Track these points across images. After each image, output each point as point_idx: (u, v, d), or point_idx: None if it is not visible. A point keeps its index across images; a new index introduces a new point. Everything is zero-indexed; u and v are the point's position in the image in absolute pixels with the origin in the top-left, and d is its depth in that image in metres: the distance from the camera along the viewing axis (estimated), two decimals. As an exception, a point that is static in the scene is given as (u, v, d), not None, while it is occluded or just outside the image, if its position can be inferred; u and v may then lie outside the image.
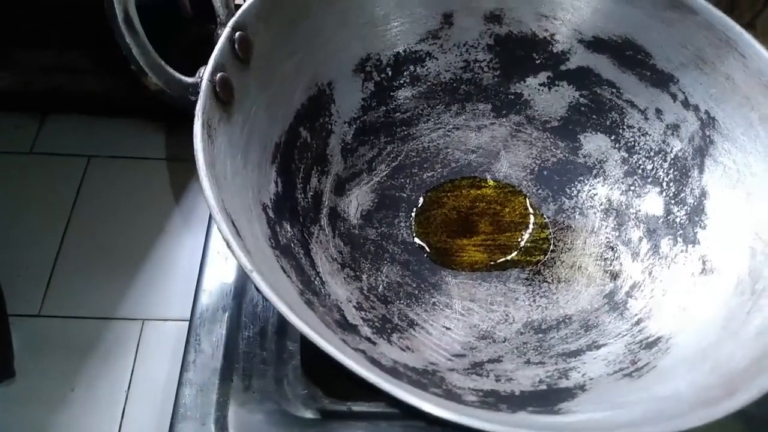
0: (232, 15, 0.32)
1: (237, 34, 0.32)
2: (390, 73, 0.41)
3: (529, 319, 0.37)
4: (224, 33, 0.31)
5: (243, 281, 0.39)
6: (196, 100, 0.29)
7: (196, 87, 0.29)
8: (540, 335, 0.36)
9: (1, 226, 0.51)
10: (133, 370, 0.46)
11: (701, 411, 0.24)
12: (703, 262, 0.35)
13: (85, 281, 0.50)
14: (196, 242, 0.50)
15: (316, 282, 0.33)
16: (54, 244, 0.51)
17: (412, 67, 0.41)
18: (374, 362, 0.30)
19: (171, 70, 0.29)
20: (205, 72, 0.30)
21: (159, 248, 0.53)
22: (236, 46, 0.31)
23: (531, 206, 0.42)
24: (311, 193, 0.37)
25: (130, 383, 0.45)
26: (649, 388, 0.30)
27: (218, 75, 0.30)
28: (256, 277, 0.25)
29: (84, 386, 0.45)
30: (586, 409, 0.29)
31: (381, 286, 0.36)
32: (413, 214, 0.40)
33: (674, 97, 0.38)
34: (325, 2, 0.36)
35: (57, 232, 0.52)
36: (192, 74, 0.31)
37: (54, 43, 0.52)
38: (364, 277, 0.36)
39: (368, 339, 0.32)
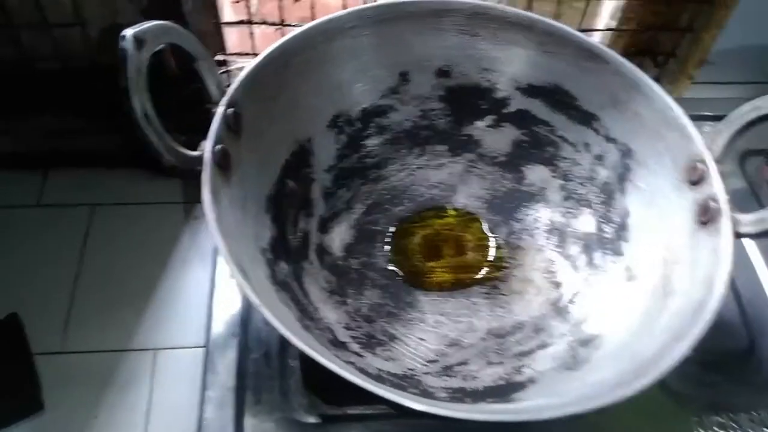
0: (224, 95, 0.38)
1: (229, 110, 0.38)
2: (359, 125, 0.47)
3: (490, 327, 0.44)
4: (219, 111, 0.37)
5: (248, 312, 0.45)
6: (201, 170, 0.35)
7: (200, 159, 0.36)
8: (499, 339, 0.43)
9: (19, 273, 0.55)
10: (151, 396, 0.52)
11: (618, 391, 0.30)
12: (628, 271, 0.42)
13: (98, 319, 0.55)
14: (195, 275, 0.56)
15: (310, 309, 0.40)
16: (68, 286, 0.57)
17: (377, 119, 0.47)
18: (362, 371, 0.37)
19: (180, 149, 0.35)
20: (207, 146, 0.36)
21: (163, 283, 0.58)
22: (229, 120, 0.38)
23: (487, 230, 0.49)
24: (300, 234, 0.43)
25: (149, 407, 0.51)
26: (583, 378, 0.37)
27: (217, 147, 0.36)
28: (264, 310, 0.31)
29: (106, 413, 0.50)
30: (533, 397, 0.36)
31: (364, 307, 0.43)
32: (388, 244, 0.47)
33: (597, 132, 0.44)
34: (299, 77, 0.42)
35: (70, 275, 0.57)
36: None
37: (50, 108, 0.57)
38: (350, 301, 0.43)
39: (356, 353, 0.39)
